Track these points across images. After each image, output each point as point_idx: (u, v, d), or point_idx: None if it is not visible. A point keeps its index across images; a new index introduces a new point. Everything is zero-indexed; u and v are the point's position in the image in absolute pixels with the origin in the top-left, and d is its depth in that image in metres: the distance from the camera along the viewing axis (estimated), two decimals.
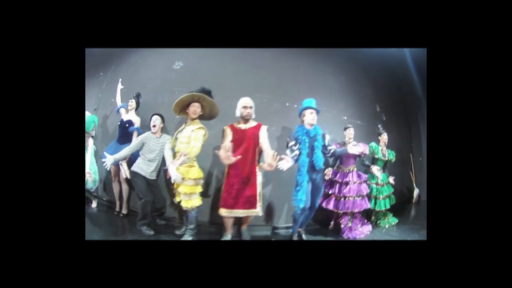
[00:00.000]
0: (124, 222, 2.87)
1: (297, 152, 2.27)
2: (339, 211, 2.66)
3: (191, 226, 2.40)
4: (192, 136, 2.29)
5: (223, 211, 2.34)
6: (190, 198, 2.32)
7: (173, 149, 2.44)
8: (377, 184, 2.91)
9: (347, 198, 2.63)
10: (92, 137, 3.07)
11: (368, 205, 2.73)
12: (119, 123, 3.00)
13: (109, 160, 2.40)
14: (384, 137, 3.00)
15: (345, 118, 3.30)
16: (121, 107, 3.10)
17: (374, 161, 2.99)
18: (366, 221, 2.89)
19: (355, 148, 2.33)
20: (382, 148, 2.99)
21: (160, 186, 2.75)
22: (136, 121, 3.00)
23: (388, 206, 2.97)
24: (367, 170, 2.95)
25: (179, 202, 2.39)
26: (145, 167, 2.56)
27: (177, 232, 2.60)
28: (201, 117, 2.44)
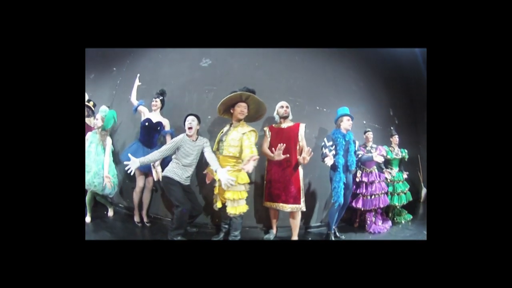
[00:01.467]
0: (145, 232, 2.66)
1: (333, 152, 2.51)
2: (366, 209, 2.95)
3: (236, 233, 2.35)
4: (245, 139, 2.21)
5: (268, 204, 2.53)
6: (238, 204, 2.25)
7: (214, 152, 2.38)
8: (392, 181, 3.20)
9: (373, 196, 2.91)
10: (110, 135, 2.77)
11: (388, 201, 3.05)
12: (145, 124, 2.69)
13: (134, 163, 2.14)
14: (395, 139, 3.30)
15: (365, 122, 3.44)
16: (139, 105, 2.79)
17: (388, 161, 3.26)
18: (385, 217, 3.20)
19: (379, 157, 2.65)
20: (394, 148, 3.29)
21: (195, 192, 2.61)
22: (166, 123, 2.76)
23: (404, 201, 3.22)
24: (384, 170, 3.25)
25: (219, 208, 2.34)
26: (180, 172, 2.33)
27: (215, 239, 2.51)
28: (245, 118, 2.38)
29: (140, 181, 2.69)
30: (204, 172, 2.49)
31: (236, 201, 2.24)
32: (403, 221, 3.27)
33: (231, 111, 2.36)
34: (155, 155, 2.28)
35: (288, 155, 2.24)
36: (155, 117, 2.74)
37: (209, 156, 2.30)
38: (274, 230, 2.70)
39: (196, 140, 2.38)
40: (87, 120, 3.10)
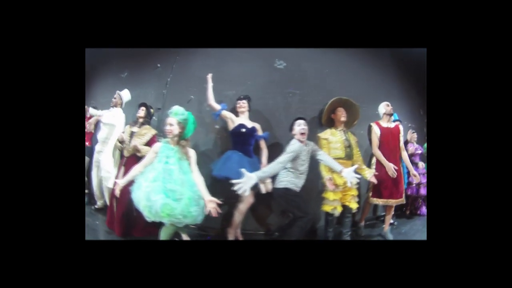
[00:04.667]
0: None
1: None
2: (423, 195, 3.49)
3: (348, 230, 2.44)
4: (356, 147, 2.44)
5: (375, 200, 2.61)
6: (355, 200, 2.37)
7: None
8: None
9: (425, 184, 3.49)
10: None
11: None
12: (242, 130, 2.35)
13: (249, 180, 1.73)
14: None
15: (410, 125, 3.59)
16: (222, 109, 2.39)
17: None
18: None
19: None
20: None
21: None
22: (258, 128, 2.45)
23: None
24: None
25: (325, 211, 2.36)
26: (297, 181, 2.17)
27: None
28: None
29: (250, 198, 2.27)
30: (328, 177, 2.27)
31: (355, 197, 2.37)
32: None
33: (332, 117, 2.47)
34: (275, 167, 2.01)
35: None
36: (246, 122, 2.43)
37: (327, 158, 2.21)
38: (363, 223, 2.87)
39: (307, 145, 2.23)
40: (144, 127, 2.62)
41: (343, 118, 2.41)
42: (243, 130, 2.35)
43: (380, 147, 2.56)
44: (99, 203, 3.13)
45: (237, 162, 2.18)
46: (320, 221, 2.64)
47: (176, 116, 1.97)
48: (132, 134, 2.57)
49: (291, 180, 2.16)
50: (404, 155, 2.72)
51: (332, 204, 2.28)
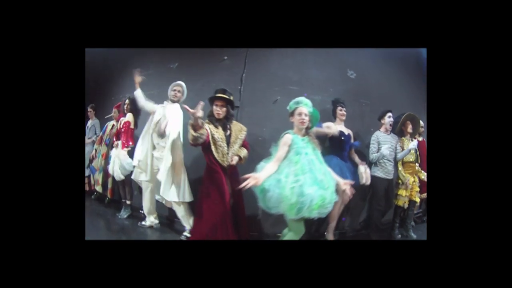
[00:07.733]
0: None
1: None
2: None
3: (411, 220, 2.85)
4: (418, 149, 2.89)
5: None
6: (418, 195, 2.77)
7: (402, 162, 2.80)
8: None
9: None
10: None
11: None
12: (341, 138, 2.47)
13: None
14: None
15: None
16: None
17: None
18: None
19: None
20: None
21: None
22: (352, 134, 2.59)
23: None
24: None
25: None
26: (391, 169, 2.65)
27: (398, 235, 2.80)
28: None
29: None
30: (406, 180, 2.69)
31: (418, 193, 2.78)
32: None
33: (402, 128, 2.82)
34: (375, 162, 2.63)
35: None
36: (343, 128, 2.51)
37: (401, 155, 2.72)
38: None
39: (389, 134, 2.73)
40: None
41: (410, 130, 2.83)
42: (342, 138, 2.52)
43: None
44: (153, 219, 2.61)
45: (338, 166, 2.36)
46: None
47: (307, 107, 1.84)
48: (228, 140, 2.09)
49: (388, 169, 2.63)
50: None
51: (403, 200, 2.72)
